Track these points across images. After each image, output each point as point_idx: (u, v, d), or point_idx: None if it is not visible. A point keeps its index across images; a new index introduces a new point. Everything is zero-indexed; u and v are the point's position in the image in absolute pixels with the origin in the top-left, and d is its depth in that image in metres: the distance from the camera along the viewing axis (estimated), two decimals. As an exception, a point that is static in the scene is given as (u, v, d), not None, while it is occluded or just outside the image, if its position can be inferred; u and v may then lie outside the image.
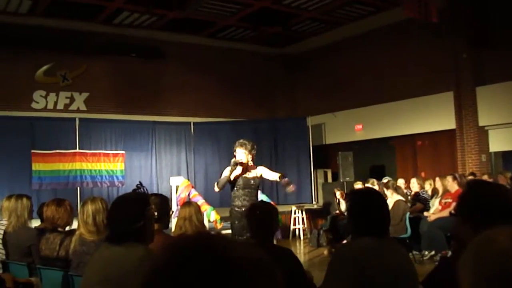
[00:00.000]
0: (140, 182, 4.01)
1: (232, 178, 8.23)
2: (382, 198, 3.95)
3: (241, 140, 8.50)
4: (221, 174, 8.52)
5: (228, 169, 8.36)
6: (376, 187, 12.43)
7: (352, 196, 4.12)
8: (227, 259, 1.12)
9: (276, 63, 22.92)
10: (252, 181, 8.33)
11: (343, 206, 13.67)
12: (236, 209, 8.02)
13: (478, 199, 2.97)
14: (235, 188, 8.28)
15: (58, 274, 5.25)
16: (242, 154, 8.30)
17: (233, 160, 8.28)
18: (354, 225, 3.71)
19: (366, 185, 13.13)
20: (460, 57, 16.57)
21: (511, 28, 15.69)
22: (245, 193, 8.22)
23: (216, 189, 8.36)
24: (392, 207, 11.39)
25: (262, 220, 4.65)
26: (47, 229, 6.10)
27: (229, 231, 8.72)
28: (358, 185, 13.95)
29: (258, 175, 8.45)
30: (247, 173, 8.31)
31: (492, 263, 1.28)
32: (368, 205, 3.72)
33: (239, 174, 8.23)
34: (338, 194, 14.42)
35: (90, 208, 5.15)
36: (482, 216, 2.76)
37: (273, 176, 8.51)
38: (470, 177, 14.20)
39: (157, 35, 19.48)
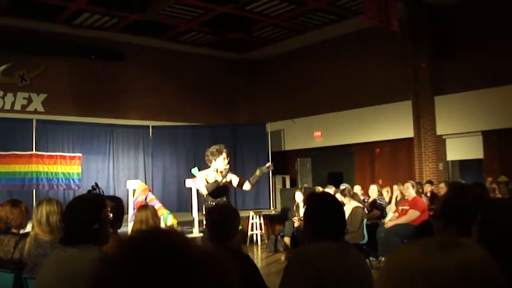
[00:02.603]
0: (96, 183, 3.95)
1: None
2: (337, 202, 3.96)
3: (223, 146, 8.95)
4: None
5: (205, 175, 8.80)
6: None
7: (307, 200, 4.11)
8: (186, 255, 1.12)
9: (237, 69, 22.91)
10: (223, 187, 8.80)
11: (302, 210, 13.63)
12: None
13: (464, 202, 2.96)
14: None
15: (10, 276, 5.14)
16: (225, 159, 8.77)
17: (226, 168, 8.70)
18: (310, 229, 3.71)
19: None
20: (419, 67, 16.77)
21: (469, 39, 15.96)
22: (220, 199, 8.64)
23: (205, 192, 8.65)
24: (350, 214, 11.45)
25: (218, 222, 4.60)
26: (1, 231, 5.98)
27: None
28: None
29: (228, 180, 8.88)
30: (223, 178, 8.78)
31: (394, 275, 1.26)
32: (324, 208, 3.72)
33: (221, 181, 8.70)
34: (297, 196, 14.17)
35: (44, 208, 5.08)
36: (469, 219, 2.75)
37: (246, 186, 9.14)
38: (428, 185, 14.38)
39: (118, 37, 19.32)
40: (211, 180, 8.64)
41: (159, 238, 1.17)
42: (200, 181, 8.80)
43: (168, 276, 1.07)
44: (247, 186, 9.13)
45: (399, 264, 1.25)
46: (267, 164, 9.79)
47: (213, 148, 8.85)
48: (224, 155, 8.71)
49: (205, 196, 8.69)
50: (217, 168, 8.75)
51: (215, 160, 8.74)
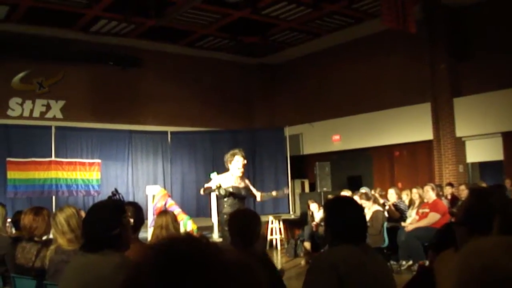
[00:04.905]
0: (115, 189, 3.95)
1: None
2: (358, 205, 3.93)
3: (238, 150, 9.12)
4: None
5: (221, 178, 8.93)
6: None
7: (328, 204, 4.09)
8: (217, 262, 1.13)
9: (254, 73, 22.92)
10: (243, 191, 8.85)
11: (317, 217, 13.63)
12: (225, 216, 8.21)
13: (488, 208, 2.88)
14: (226, 197, 8.73)
15: (32, 283, 5.14)
16: (241, 162, 8.85)
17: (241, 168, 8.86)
18: (331, 233, 3.68)
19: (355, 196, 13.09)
20: (438, 69, 16.68)
21: (488, 40, 15.85)
22: (236, 202, 8.69)
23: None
24: (371, 217, 11.38)
25: (241, 227, 4.59)
26: (23, 238, 5.95)
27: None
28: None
29: (247, 186, 8.99)
30: (240, 182, 8.67)
31: (479, 275, 1.24)
32: (344, 211, 3.70)
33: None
34: (312, 206, 14.29)
35: (61, 217, 5.01)
36: (493, 225, 2.70)
37: (257, 197, 9.26)
38: (448, 188, 14.27)
39: (135, 43, 19.39)
40: (226, 184, 8.72)
41: (190, 245, 1.18)
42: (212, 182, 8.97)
43: (199, 283, 1.08)
44: (258, 197, 9.25)
45: (484, 264, 1.24)
46: (286, 191, 9.90)
47: (228, 153, 8.99)
48: (237, 157, 8.79)
49: (220, 196, 8.77)
50: (232, 174, 8.84)
51: (230, 163, 8.82)
